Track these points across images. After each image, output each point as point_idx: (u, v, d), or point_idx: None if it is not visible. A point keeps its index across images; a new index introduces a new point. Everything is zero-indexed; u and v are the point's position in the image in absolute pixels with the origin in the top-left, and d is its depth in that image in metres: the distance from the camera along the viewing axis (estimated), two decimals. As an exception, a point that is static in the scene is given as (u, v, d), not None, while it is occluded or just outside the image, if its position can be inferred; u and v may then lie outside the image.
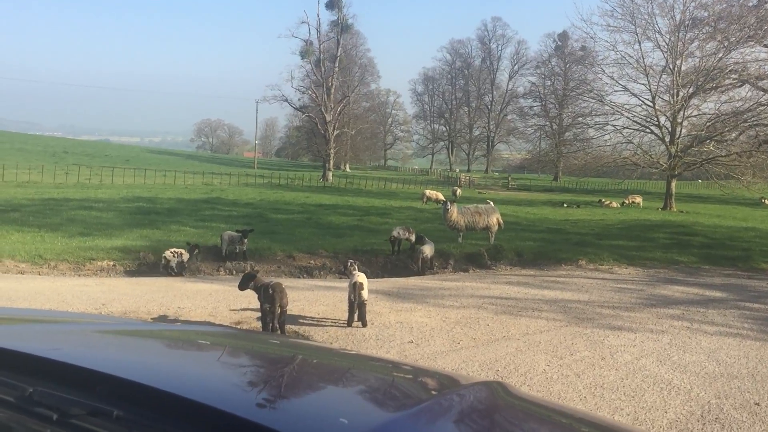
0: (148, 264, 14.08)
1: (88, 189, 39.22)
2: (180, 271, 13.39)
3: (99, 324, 2.03)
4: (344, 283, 12.43)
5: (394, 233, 15.89)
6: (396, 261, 15.62)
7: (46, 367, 1.13)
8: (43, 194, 31.91)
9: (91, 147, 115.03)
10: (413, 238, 15.92)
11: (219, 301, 9.59)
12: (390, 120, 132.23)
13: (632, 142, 41.19)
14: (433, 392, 1.48)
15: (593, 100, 42.61)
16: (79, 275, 13.06)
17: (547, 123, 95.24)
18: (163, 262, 13.43)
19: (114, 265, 13.88)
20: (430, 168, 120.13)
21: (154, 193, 36.03)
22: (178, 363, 1.51)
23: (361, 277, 8.19)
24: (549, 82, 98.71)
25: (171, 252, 13.48)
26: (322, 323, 8.38)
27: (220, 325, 7.23)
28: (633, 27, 38.16)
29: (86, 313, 6.78)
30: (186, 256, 13.55)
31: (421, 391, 1.52)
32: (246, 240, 14.68)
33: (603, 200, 44.70)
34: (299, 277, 14.00)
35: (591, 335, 8.09)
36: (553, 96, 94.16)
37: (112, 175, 51.60)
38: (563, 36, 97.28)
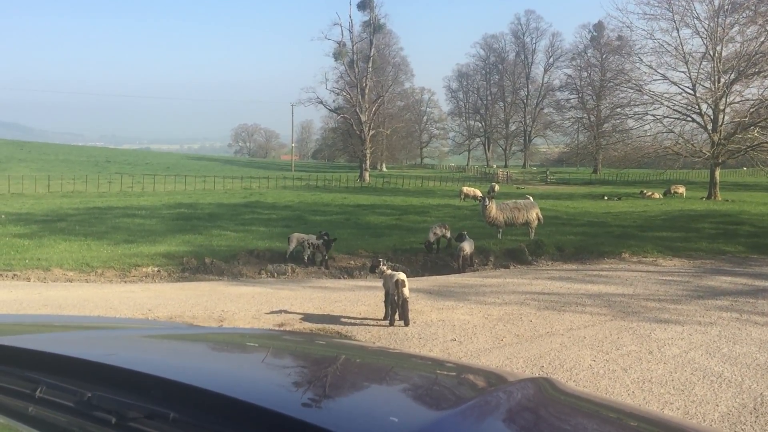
0: (191, 269, 14.30)
1: (130, 197, 40.02)
2: (313, 259, 14.44)
3: (149, 329, 2.07)
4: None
5: (431, 236, 15.84)
6: (436, 259, 15.59)
7: (102, 372, 1.16)
8: (87, 203, 32.66)
9: (133, 156, 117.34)
10: (449, 234, 15.94)
11: (262, 303, 9.69)
12: (425, 118, 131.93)
13: (673, 132, 40.37)
14: (481, 390, 1.48)
15: (632, 90, 41.85)
16: (125, 282, 13.33)
17: (585, 115, 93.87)
18: (291, 248, 14.62)
19: (158, 271, 14.13)
20: (467, 165, 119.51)
21: (194, 199, 36.58)
22: (228, 365, 1.54)
23: (401, 275, 8.18)
24: (585, 74, 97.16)
25: (301, 238, 14.61)
26: (365, 323, 8.41)
27: (266, 329, 7.30)
28: (670, 14, 37.42)
29: (135, 319, 6.92)
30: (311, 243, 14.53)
31: (468, 388, 1.52)
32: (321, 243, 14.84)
33: (645, 191, 43.93)
34: (339, 278, 14.06)
35: (637, 329, 7.96)
36: (590, 87, 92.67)
37: (154, 183, 52.53)
38: (599, 26, 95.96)
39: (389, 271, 8.32)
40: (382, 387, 1.47)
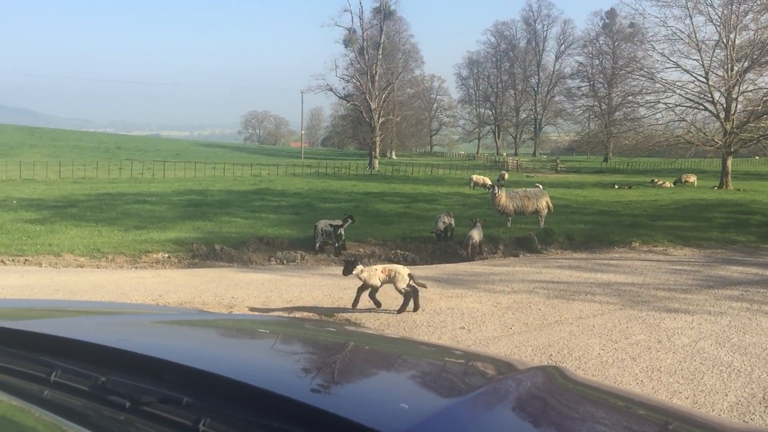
0: (201, 255, 14.37)
1: (141, 183, 40.20)
2: (336, 240, 14.68)
3: (160, 315, 2.09)
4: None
5: (440, 225, 15.81)
6: (445, 247, 15.59)
7: (115, 357, 1.17)
8: (98, 189, 32.84)
9: (143, 142, 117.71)
10: (453, 222, 16.05)
11: (271, 290, 9.73)
12: (435, 106, 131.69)
13: (685, 120, 40.06)
14: (490, 377, 1.49)
15: (644, 78, 41.57)
16: (136, 267, 13.41)
17: (596, 103, 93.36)
18: (320, 236, 14.71)
19: (169, 257, 14.21)
20: (477, 153, 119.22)
21: (204, 186, 36.70)
22: (239, 351, 1.55)
23: (406, 269, 8.19)
24: (597, 62, 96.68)
25: (325, 223, 14.85)
26: (374, 310, 8.43)
27: (276, 316, 7.34)
28: (684, 1, 37.04)
29: (147, 305, 6.97)
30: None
31: (478, 376, 1.53)
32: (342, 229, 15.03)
33: (656, 180, 43.72)
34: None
35: (646, 318, 7.95)
36: (602, 75, 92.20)
37: (164, 169, 52.72)
38: (611, 13, 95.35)
39: (384, 266, 8.19)
40: (392, 374, 1.48)
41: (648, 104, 42.51)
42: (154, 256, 14.22)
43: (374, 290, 8.03)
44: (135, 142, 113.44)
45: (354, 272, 7.83)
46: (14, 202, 24.34)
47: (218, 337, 1.75)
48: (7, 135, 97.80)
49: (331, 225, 14.89)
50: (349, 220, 15.06)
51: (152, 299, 9.13)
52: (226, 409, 0.97)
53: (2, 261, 13.29)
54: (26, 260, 13.39)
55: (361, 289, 8.11)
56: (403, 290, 7.97)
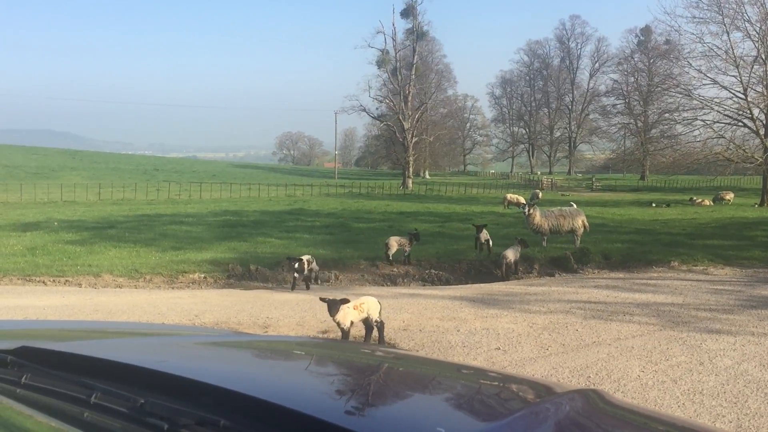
0: (236, 275, 14.49)
1: (178, 204, 40.79)
2: (405, 258, 15.07)
3: (197, 336, 2.11)
4: (430, 291, 12.45)
5: (480, 234, 15.90)
6: (479, 266, 15.49)
7: (154, 378, 1.18)
8: (136, 211, 33.39)
9: (180, 164, 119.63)
10: (489, 239, 16.13)
11: (305, 310, 9.75)
12: (468, 125, 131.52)
13: (724, 137, 39.34)
14: (528, 401, 1.46)
15: (680, 95, 41.02)
16: (173, 288, 13.57)
17: (632, 121, 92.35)
18: (391, 252, 15.01)
19: (205, 278, 14.35)
20: (511, 171, 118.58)
21: (239, 207, 37.08)
22: (276, 373, 1.55)
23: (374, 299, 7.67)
24: (632, 79, 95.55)
25: (400, 242, 15.12)
26: (408, 329, 8.40)
27: (310, 337, 7.34)
28: (720, 17, 36.56)
29: (184, 326, 7.03)
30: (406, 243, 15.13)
31: (515, 399, 1.50)
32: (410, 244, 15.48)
33: (694, 198, 42.98)
34: (382, 285, 14.08)
35: (687, 339, 7.77)
36: (637, 93, 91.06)
37: (200, 190, 53.45)
38: (646, 30, 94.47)
39: (359, 300, 7.53)
40: (427, 397, 1.46)
41: (685, 121, 41.89)
42: (191, 276, 14.38)
43: (345, 334, 7.20)
44: (172, 164, 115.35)
45: (336, 313, 7.10)
46: (55, 223, 24.88)
47: (254, 359, 1.76)
48: (49, 158, 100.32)
49: (411, 235, 15.62)
50: (414, 240, 15.40)
51: (188, 319, 9.22)
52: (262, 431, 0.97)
53: (43, 282, 13.57)
54: (66, 281, 13.64)
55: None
56: (376, 322, 7.50)
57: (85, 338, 1.93)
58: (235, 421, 1.00)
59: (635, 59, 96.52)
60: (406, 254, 15.38)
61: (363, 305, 7.35)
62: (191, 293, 12.50)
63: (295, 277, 11.89)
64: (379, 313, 7.52)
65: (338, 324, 7.16)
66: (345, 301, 7.12)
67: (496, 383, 1.70)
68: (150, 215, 29.99)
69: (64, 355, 1.31)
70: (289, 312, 9.71)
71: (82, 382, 1.16)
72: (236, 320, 9.12)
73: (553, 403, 1.34)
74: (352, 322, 7.19)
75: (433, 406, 1.36)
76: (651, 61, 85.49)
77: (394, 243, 15.23)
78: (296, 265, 11.70)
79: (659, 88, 48.52)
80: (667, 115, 45.35)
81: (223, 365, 1.59)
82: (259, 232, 22.17)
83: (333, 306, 7.04)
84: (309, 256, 12.35)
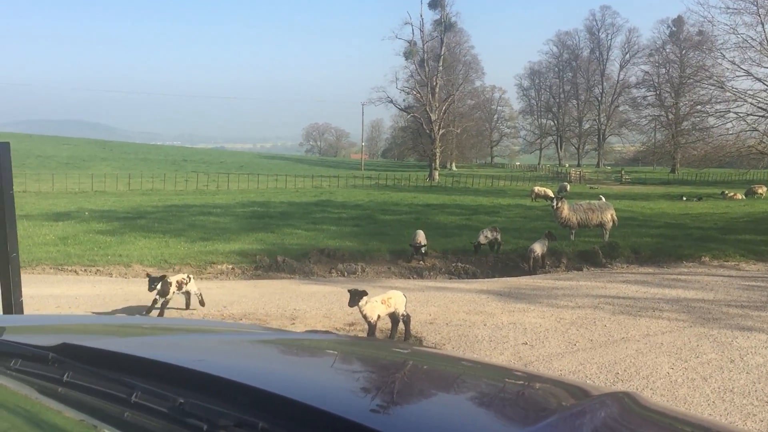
0: (264, 267, 14.60)
1: (206, 195, 41.17)
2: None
3: (232, 333, 2.13)
4: (456, 284, 12.42)
5: (481, 238, 15.66)
6: (506, 260, 15.43)
7: (191, 377, 1.20)
8: (165, 201, 33.77)
9: (207, 155, 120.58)
10: (499, 237, 15.99)
11: (333, 302, 9.79)
12: (496, 117, 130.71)
13: (757, 130, 38.47)
14: (561, 405, 1.45)
15: (713, 87, 40.14)
16: (201, 278, 13.71)
17: (663, 113, 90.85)
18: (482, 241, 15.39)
19: (233, 268, 14.49)
20: (539, 164, 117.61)
21: (266, 198, 37.31)
22: (312, 372, 1.56)
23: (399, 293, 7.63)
24: (663, 70, 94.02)
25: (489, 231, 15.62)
26: (435, 323, 8.40)
27: (345, 335, 7.36)
28: (755, 8, 35.63)
29: (218, 321, 7.10)
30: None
31: (548, 403, 1.50)
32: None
33: (726, 192, 42.24)
34: (409, 278, 14.09)
35: (718, 336, 7.67)
36: (669, 84, 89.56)
37: (228, 181, 53.85)
38: (678, 21, 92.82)
39: (386, 294, 7.51)
40: (461, 399, 1.46)
41: (717, 114, 41.00)
42: (219, 267, 14.52)
43: (372, 327, 7.19)
44: (200, 155, 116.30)
45: (359, 304, 7.12)
46: (86, 213, 25.27)
47: (290, 358, 1.77)
48: (80, 148, 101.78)
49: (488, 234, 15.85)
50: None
51: (217, 310, 9.31)
52: None
53: (75, 271, 13.80)
54: (98, 270, 13.86)
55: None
56: (402, 315, 7.50)
57: (121, 334, 1.96)
58: (273, 422, 1.01)
59: (667, 50, 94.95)
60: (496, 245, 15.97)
61: (390, 300, 7.36)
62: (219, 284, 12.62)
63: (155, 300, 8.66)
64: (405, 306, 7.54)
65: (365, 317, 7.18)
66: (364, 293, 7.13)
67: (528, 384, 1.69)
68: (178, 206, 30.32)
69: (103, 352, 1.33)
70: (316, 304, 9.76)
71: (123, 380, 1.18)
72: (264, 311, 9.19)
73: (586, 408, 1.33)
74: (379, 316, 7.21)
75: (467, 410, 1.36)
76: (683, 52, 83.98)
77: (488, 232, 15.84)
78: (157, 286, 8.54)
79: (691, 80, 47.55)
80: (699, 107, 44.46)
81: (259, 364, 1.61)
82: (286, 223, 22.30)
83: (353, 297, 7.08)
84: (185, 275, 9.42)
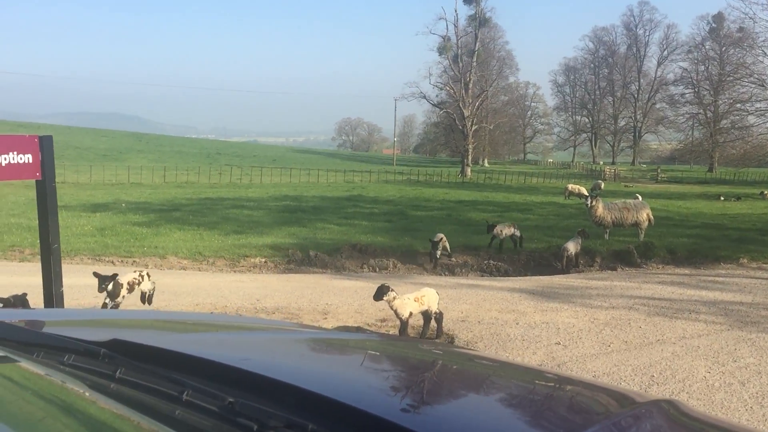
0: (296, 261, 14.69)
1: (239, 188, 41.53)
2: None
3: (275, 331, 2.15)
4: (488, 282, 12.36)
5: (495, 230, 15.56)
6: (539, 258, 15.31)
7: (239, 377, 1.21)
8: (200, 194, 34.18)
9: (241, 148, 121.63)
10: (518, 233, 15.91)
11: (364, 298, 9.80)
12: (529, 113, 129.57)
13: (798, 129, 37.64)
14: (603, 412, 1.44)
15: (753, 85, 39.34)
16: (235, 271, 13.87)
17: (701, 111, 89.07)
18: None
19: (265, 262, 14.61)
20: (572, 161, 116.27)
21: (299, 192, 37.51)
22: (356, 374, 1.57)
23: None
24: (702, 67, 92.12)
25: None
26: (467, 320, 8.38)
27: (387, 334, 7.38)
28: (799, 5, 34.83)
29: (260, 319, 7.16)
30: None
31: (590, 410, 1.48)
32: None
33: (766, 192, 41.35)
34: (441, 275, 14.06)
35: (756, 340, 7.52)
36: (707, 82, 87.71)
37: (261, 175, 54.24)
38: (718, 17, 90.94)
39: (420, 292, 7.47)
40: (502, 405, 1.45)
41: (758, 112, 40.18)
42: (252, 260, 14.66)
43: (404, 324, 7.20)
44: (234, 148, 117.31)
45: (384, 299, 7.11)
46: (123, 205, 25.70)
47: (331, 357, 1.79)
48: (117, 140, 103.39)
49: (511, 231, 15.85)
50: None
51: (250, 303, 9.41)
52: None
53: (112, 262, 14.05)
54: (134, 261, 14.09)
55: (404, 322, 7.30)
56: (435, 313, 7.50)
57: (167, 330, 1.99)
58: (321, 424, 1.01)
59: (706, 47, 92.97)
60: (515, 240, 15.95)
61: (423, 298, 7.35)
62: (253, 277, 12.75)
63: (105, 303, 7.89)
64: (438, 304, 7.54)
65: (396, 313, 7.20)
66: (388, 288, 7.13)
67: (566, 389, 1.68)
68: (212, 198, 30.66)
69: (153, 349, 1.35)
70: (348, 299, 9.80)
71: (173, 378, 1.20)
72: (296, 306, 9.26)
73: (630, 417, 1.31)
74: (411, 313, 7.21)
75: (508, 417, 1.36)
76: (723, 49, 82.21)
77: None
78: (108, 286, 7.64)
79: (731, 78, 46.60)
80: (738, 105, 43.56)
81: (301, 363, 1.62)
82: (318, 217, 22.41)
83: (379, 292, 7.12)
84: (137, 275, 8.57)
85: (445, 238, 14.61)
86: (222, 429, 1.04)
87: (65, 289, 6.11)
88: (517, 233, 15.81)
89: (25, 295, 7.06)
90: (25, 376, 1.29)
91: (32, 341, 1.50)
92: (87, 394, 1.18)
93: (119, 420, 1.09)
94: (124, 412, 1.10)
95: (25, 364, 1.33)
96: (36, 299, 6.92)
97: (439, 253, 14.40)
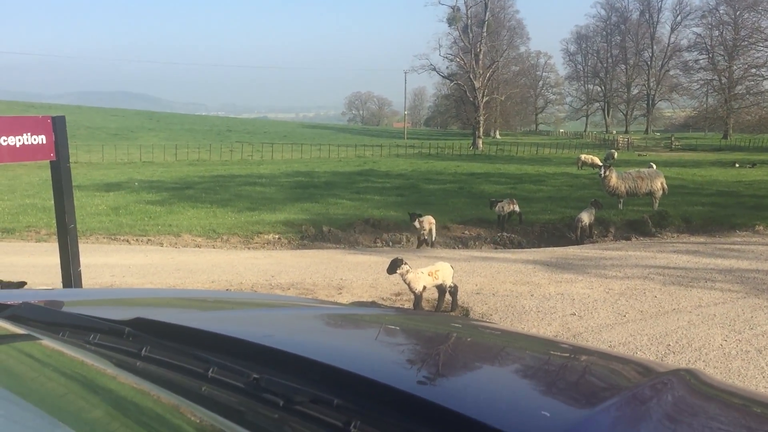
0: (309, 237, 14.74)
1: (251, 165, 41.60)
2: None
3: (294, 308, 2.17)
4: (502, 254, 12.37)
5: (497, 208, 15.37)
6: (553, 230, 15.28)
7: (263, 353, 1.23)
8: (212, 171, 34.26)
9: (251, 125, 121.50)
10: (517, 209, 15.61)
11: (378, 272, 9.83)
12: (541, 83, 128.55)
13: (816, 94, 37.13)
14: (625, 383, 1.44)
15: (769, 50, 38.78)
16: (249, 248, 13.94)
17: (715, 77, 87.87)
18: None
19: (279, 238, 14.67)
20: (585, 131, 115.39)
21: (310, 167, 37.52)
22: (378, 349, 1.58)
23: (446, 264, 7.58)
24: (717, 33, 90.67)
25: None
26: (481, 293, 8.40)
27: (403, 308, 7.41)
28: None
29: (280, 295, 7.21)
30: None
31: (611, 380, 1.49)
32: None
33: (781, 158, 40.95)
34: (454, 248, 14.07)
35: (773, 308, 7.49)
36: (722, 47, 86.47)
37: (272, 151, 54.27)
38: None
39: (434, 267, 7.42)
40: (521, 376, 1.46)
41: (774, 77, 39.67)
42: (266, 237, 14.72)
43: (417, 298, 7.20)
44: (244, 125, 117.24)
45: (398, 272, 7.11)
46: (136, 184, 25.83)
47: (351, 332, 1.80)
48: (128, 119, 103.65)
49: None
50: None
51: (265, 279, 9.47)
52: (373, 412, 1.00)
53: (127, 240, 14.16)
54: (149, 240, 14.20)
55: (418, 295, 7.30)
56: (450, 287, 7.47)
57: (189, 308, 2.01)
58: (346, 398, 1.03)
59: (720, 11, 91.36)
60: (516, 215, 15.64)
61: (438, 272, 7.33)
62: (267, 253, 12.81)
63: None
64: (452, 277, 7.55)
65: (409, 286, 7.23)
66: (401, 260, 7.14)
67: (586, 360, 1.68)
68: (224, 176, 30.74)
69: (178, 327, 1.37)
70: (362, 274, 9.84)
71: (199, 355, 1.22)
72: (311, 281, 9.31)
73: (650, 387, 1.32)
74: (424, 287, 7.23)
75: (529, 387, 1.36)
76: (737, 13, 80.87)
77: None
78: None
79: (746, 42, 46.02)
80: (753, 70, 43.11)
81: (323, 339, 1.64)
82: (330, 193, 22.44)
83: (392, 265, 7.14)
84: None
85: (430, 220, 13.27)
86: (248, 405, 1.05)
87: (83, 269, 6.17)
88: (516, 209, 15.63)
89: (23, 284, 6.42)
90: (49, 355, 1.31)
91: (56, 321, 1.51)
92: (114, 372, 1.20)
93: (147, 398, 1.10)
94: (152, 390, 1.11)
95: (49, 342, 1.35)
96: (54, 279, 7.00)
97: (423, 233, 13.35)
